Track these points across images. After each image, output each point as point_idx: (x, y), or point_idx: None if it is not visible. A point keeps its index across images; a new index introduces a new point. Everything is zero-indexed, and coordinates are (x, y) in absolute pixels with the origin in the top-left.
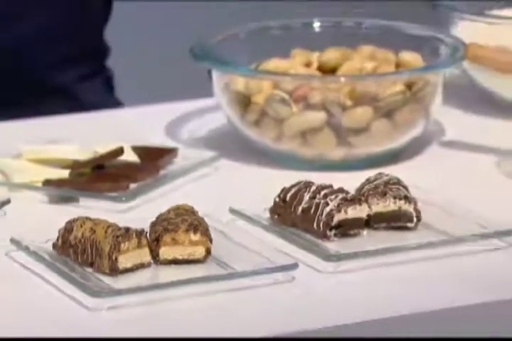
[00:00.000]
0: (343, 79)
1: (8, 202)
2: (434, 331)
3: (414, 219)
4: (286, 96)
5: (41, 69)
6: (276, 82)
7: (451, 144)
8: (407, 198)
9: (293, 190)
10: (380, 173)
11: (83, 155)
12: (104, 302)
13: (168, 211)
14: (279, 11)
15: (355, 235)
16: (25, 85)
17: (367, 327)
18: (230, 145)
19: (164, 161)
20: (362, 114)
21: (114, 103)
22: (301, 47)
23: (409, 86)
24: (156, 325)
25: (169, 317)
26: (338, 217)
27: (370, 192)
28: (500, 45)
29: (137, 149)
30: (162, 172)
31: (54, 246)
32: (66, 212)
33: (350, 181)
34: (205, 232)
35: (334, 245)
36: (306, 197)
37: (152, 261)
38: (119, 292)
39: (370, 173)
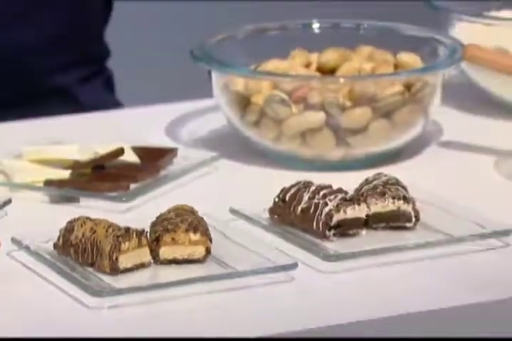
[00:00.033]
0: (342, 79)
1: (9, 202)
2: (433, 331)
3: (413, 219)
4: (286, 97)
5: (41, 70)
6: (275, 82)
7: (449, 144)
8: (405, 198)
9: (292, 190)
10: (378, 173)
11: (84, 155)
12: (105, 302)
13: (169, 211)
14: (279, 11)
15: (354, 235)
16: (25, 86)
17: (366, 326)
18: (229, 145)
19: (164, 161)
20: (361, 114)
21: (115, 104)
22: (301, 48)
23: (407, 87)
24: (156, 325)
25: (169, 316)
26: (337, 217)
27: (369, 192)
28: (498, 46)
29: (137, 149)
30: (162, 172)
31: (55, 245)
32: (67, 212)
33: (349, 181)
34: (205, 232)
35: (333, 245)
36: (306, 197)
37: (152, 261)
38: (119, 291)
39: (369, 173)
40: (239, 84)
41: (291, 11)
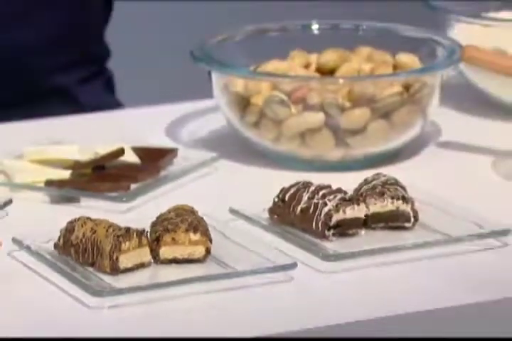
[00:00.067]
0: (341, 80)
1: (10, 202)
2: (432, 331)
3: (412, 219)
4: (285, 98)
5: (41, 70)
6: (275, 83)
7: (448, 145)
8: (404, 198)
9: (292, 190)
10: (377, 174)
11: (84, 155)
12: (105, 302)
13: (169, 211)
14: (279, 11)
15: (353, 235)
16: (25, 86)
17: (364, 326)
18: (229, 146)
19: (164, 162)
20: (360, 115)
21: (115, 104)
22: (300, 49)
23: (406, 87)
24: (156, 324)
25: (169, 316)
26: (336, 217)
27: (368, 192)
28: (496, 47)
29: (138, 150)
30: (162, 172)
31: (55, 245)
32: (67, 212)
33: (349, 181)
34: (205, 232)
35: (332, 245)
36: (305, 197)
37: (152, 261)
38: (119, 291)
39: (368, 174)
40: (239, 84)
41: (291, 11)
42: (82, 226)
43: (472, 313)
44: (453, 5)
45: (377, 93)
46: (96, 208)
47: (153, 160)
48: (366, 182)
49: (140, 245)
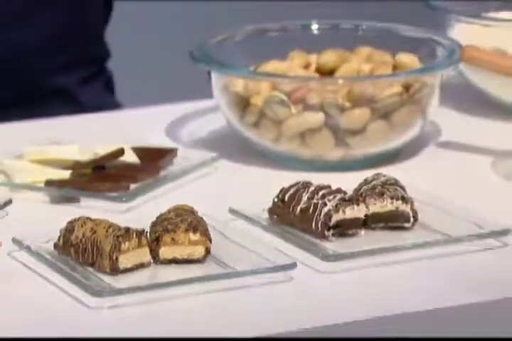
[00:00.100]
0: (340, 80)
1: (10, 202)
2: (431, 331)
3: (411, 220)
4: (285, 98)
5: (41, 70)
6: (274, 83)
7: (447, 145)
8: (404, 198)
9: (291, 191)
10: (377, 174)
11: (84, 156)
12: (105, 302)
13: (168, 211)
14: (279, 11)
15: (352, 235)
16: (25, 86)
17: (364, 326)
18: (229, 146)
19: (164, 162)
20: (359, 115)
21: (115, 104)
22: (300, 49)
23: (406, 87)
24: (156, 324)
25: (169, 316)
26: (336, 217)
27: (368, 192)
28: (496, 47)
29: (137, 150)
30: (162, 172)
31: (55, 246)
32: (67, 212)
33: (348, 182)
34: (205, 232)
35: (332, 245)
36: (305, 197)
37: (152, 261)
38: (119, 291)
39: (368, 174)
40: (238, 85)
41: (291, 11)
42: (81, 226)
43: (472, 313)
44: (453, 5)
45: (376, 93)
46: (96, 208)
47: (153, 160)
48: (366, 182)
49: (140, 245)
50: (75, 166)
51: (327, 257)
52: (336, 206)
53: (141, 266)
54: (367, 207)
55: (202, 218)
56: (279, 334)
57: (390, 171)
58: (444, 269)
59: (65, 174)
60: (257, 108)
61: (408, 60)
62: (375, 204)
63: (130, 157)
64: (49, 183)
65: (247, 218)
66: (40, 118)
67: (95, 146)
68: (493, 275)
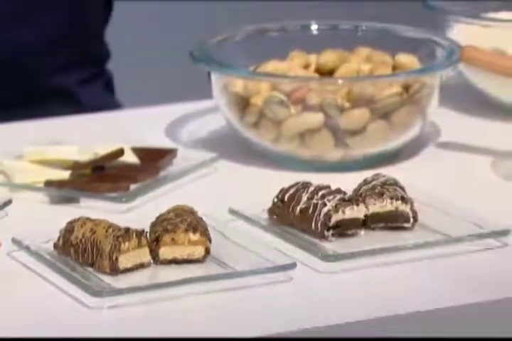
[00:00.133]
0: (340, 81)
1: (9, 202)
2: (432, 331)
3: (411, 220)
4: (285, 98)
5: (41, 71)
6: (274, 83)
7: (447, 145)
8: (403, 199)
9: (291, 191)
10: (377, 174)
11: (84, 156)
12: (105, 302)
13: (168, 211)
14: (279, 11)
15: (352, 235)
16: (25, 86)
17: (364, 326)
18: (229, 146)
19: (164, 162)
20: (359, 115)
21: (115, 105)
22: (299, 50)
23: (405, 88)
24: (156, 324)
25: (169, 316)
26: (335, 218)
27: (368, 192)
28: (495, 48)
29: (137, 150)
30: (162, 173)
31: (55, 246)
32: (67, 213)
33: (348, 182)
34: (205, 232)
35: (332, 245)
36: (304, 197)
37: (152, 261)
38: (119, 291)
39: (368, 174)
40: (238, 85)
41: (291, 11)
42: (81, 226)
43: (473, 313)
44: (452, 5)
45: (376, 93)
46: (95, 208)
47: (153, 161)
48: (365, 182)
49: (140, 245)
50: (75, 166)
51: (327, 257)
52: (336, 206)
53: (141, 266)
54: (366, 207)
55: (202, 218)
56: (278, 334)
57: (389, 171)
58: (445, 269)
59: (65, 174)
60: (257, 108)
61: (408, 60)
62: (374, 204)
63: (130, 157)
64: (49, 183)
65: (247, 218)
66: (40, 119)
67: (95, 146)
68: (494, 275)
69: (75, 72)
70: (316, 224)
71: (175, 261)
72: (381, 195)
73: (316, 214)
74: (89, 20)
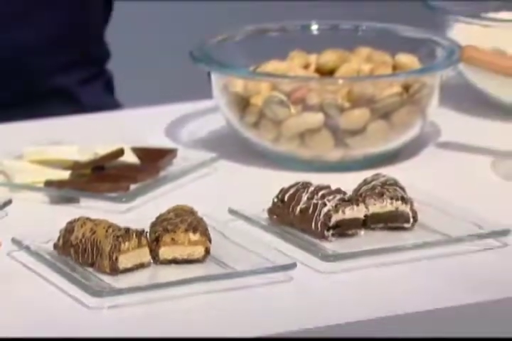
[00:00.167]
0: (340, 81)
1: (9, 202)
2: (432, 331)
3: (411, 220)
4: (285, 98)
5: (41, 71)
6: (274, 83)
7: (447, 145)
8: (403, 199)
9: (291, 191)
10: (377, 174)
11: (84, 156)
12: (105, 302)
13: (168, 211)
14: (279, 11)
15: (352, 235)
16: (25, 86)
17: (364, 326)
18: (229, 146)
19: (164, 162)
20: (359, 115)
21: (114, 105)
22: (299, 50)
23: (406, 88)
24: (156, 324)
25: (169, 316)
26: (335, 218)
27: (368, 192)
28: (495, 47)
29: (137, 150)
30: (162, 173)
31: (55, 246)
32: (67, 213)
33: (348, 182)
34: (205, 232)
35: (332, 245)
36: (304, 197)
37: (152, 261)
38: (119, 291)
39: (368, 174)
40: (238, 85)
41: (291, 11)
42: (81, 226)
43: (472, 313)
44: (452, 5)
45: (376, 93)
46: (95, 208)
47: (153, 161)
48: (365, 182)
49: (139, 245)
50: (75, 166)
51: (327, 257)
52: (336, 206)
53: (141, 266)
54: (366, 207)
55: (202, 218)
56: (278, 334)
57: (389, 171)
58: (444, 269)
59: (65, 174)
60: (257, 108)
61: (408, 60)
62: (374, 204)
63: (130, 157)
64: (49, 183)
65: (247, 218)
66: (40, 119)
67: (95, 146)
68: (493, 276)
69: (75, 72)
70: (316, 224)
71: (175, 261)
72: (381, 195)
73: (316, 214)
74: (89, 20)
